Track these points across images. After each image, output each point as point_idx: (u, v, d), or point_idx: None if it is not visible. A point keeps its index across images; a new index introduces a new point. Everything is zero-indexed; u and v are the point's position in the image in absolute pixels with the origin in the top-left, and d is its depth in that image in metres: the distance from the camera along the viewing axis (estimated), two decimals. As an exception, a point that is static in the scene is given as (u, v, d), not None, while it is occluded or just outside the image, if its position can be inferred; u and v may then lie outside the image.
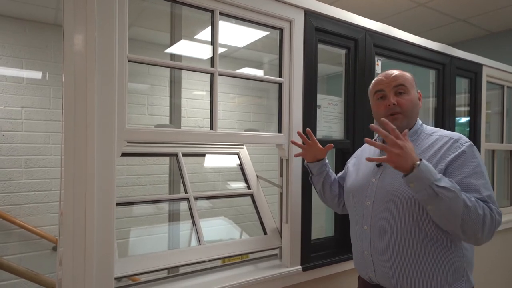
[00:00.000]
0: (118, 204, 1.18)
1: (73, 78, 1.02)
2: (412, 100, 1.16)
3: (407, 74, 1.20)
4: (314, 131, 1.57)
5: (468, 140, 1.11)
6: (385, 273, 1.12)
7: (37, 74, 3.17)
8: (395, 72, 1.19)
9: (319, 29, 1.58)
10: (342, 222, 1.70)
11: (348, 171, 1.37)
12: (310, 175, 1.44)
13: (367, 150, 1.35)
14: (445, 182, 0.96)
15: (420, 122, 1.23)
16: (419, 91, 1.22)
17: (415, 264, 1.07)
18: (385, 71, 1.23)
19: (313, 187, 1.49)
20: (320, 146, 1.36)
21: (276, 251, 1.60)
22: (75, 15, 1.02)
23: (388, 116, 1.16)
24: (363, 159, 1.32)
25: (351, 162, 1.39)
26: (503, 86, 2.75)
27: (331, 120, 1.71)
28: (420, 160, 0.96)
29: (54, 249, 3.18)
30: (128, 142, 1.14)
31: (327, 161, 1.41)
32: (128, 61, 1.14)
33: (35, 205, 3.14)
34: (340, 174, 1.47)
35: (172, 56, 2.11)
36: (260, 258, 1.57)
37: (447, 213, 0.97)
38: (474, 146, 1.10)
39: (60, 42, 3.18)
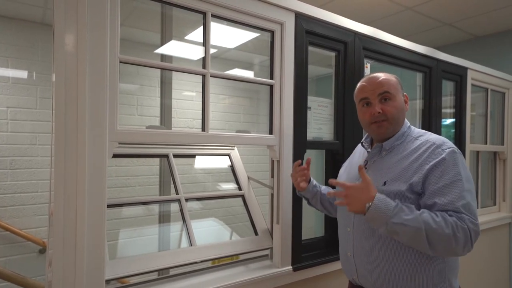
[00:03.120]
0: (108, 206, 1.18)
1: (64, 78, 1.01)
2: (397, 106, 1.14)
3: (392, 79, 1.17)
4: (305, 132, 1.59)
5: (451, 145, 1.09)
6: (366, 276, 1.14)
7: (23, 74, 3.11)
8: (380, 77, 1.16)
9: (310, 32, 1.60)
10: (332, 222, 1.72)
11: (339, 174, 1.39)
12: (307, 202, 1.45)
13: (356, 154, 1.37)
14: (400, 217, 0.96)
15: (408, 124, 1.22)
16: (405, 93, 1.21)
17: (394, 267, 1.09)
18: (369, 75, 1.22)
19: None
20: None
21: (267, 252, 1.61)
22: (66, 15, 1.01)
23: (372, 124, 1.16)
24: (354, 162, 1.33)
25: (344, 164, 1.41)
26: (487, 89, 2.82)
27: (321, 121, 1.73)
28: (372, 200, 0.98)
29: (41, 252, 3.12)
30: (119, 143, 1.13)
31: (315, 182, 1.41)
32: (120, 62, 1.13)
33: (21, 207, 3.08)
34: None
35: (162, 57, 2.11)
36: (251, 258, 1.58)
37: (411, 241, 0.99)
38: (457, 152, 1.08)
39: (48, 42, 3.13)
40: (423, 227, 0.96)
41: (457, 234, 0.96)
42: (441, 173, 1.03)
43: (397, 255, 1.08)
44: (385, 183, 1.10)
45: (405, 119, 1.22)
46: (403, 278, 1.08)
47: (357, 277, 1.17)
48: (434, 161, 1.05)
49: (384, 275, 1.10)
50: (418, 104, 2.30)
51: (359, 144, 1.39)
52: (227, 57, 4.06)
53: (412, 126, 1.23)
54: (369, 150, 1.25)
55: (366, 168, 1.20)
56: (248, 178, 1.85)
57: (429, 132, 1.19)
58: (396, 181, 1.08)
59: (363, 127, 1.24)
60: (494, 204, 3.02)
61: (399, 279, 1.08)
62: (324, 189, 1.43)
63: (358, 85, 1.23)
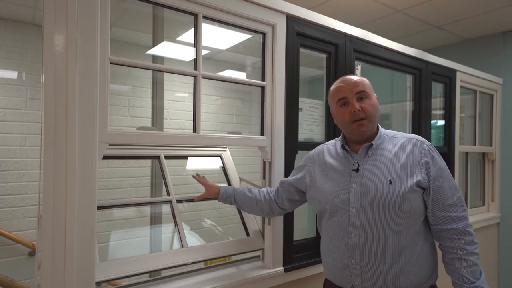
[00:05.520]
0: (99, 208, 1.17)
1: (53, 79, 1.00)
2: (374, 104, 1.19)
3: (366, 80, 1.22)
4: (296, 134, 1.60)
5: (427, 141, 1.21)
6: (375, 279, 1.13)
7: (13, 74, 3.07)
8: (354, 78, 1.20)
9: (301, 34, 1.61)
10: (323, 223, 1.73)
11: (314, 180, 1.30)
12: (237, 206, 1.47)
13: (326, 155, 1.31)
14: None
15: (379, 125, 1.26)
16: (375, 95, 1.24)
17: (404, 266, 1.12)
18: (341, 77, 1.24)
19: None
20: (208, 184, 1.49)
21: (258, 253, 1.61)
22: (55, 15, 1.00)
23: (353, 123, 1.17)
24: (327, 166, 1.28)
25: (315, 172, 1.31)
26: (475, 91, 2.87)
27: (312, 123, 1.74)
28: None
29: (30, 254, 3.08)
30: (109, 145, 1.13)
31: (227, 189, 1.44)
32: (110, 63, 1.13)
33: (10, 209, 3.04)
34: (290, 180, 1.40)
35: (154, 58, 2.10)
36: (243, 260, 1.58)
37: None
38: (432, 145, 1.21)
39: (38, 42, 3.10)
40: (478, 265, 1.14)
41: (476, 247, 1.15)
42: (439, 170, 1.15)
43: (408, 253, 1.12)
44: (391, 181, 1.13)
45: None
46: (412, 273, 1.12)
47: (361, 283, 1.15)
48: (427, 158, 1.15)
49: (396, 274, 1.12)
50: (408, 105, 2.33)
51: (321, 149, 1.35)
52: (219, 58, 4.06)
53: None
54: (349, 151, 1.24)
55: (360, 171, 1.18)
56: (240, 179, 1.85)
57: (397, 131, 1.28)
58: (402, 178, 1.13)
59: (343, 127, 1.23)
60: (483, 204, 3.07)
61: (408, 275, 1.12)
62: (242, 189, 1.45)
63: (333, 87, 1.24)
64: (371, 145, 1.19)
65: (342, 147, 1.25)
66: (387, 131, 1.27)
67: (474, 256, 1.12)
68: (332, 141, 1.36)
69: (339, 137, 1.30)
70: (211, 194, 1.46)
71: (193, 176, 1.50)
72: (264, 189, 1.46)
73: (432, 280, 1.17)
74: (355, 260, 1.15)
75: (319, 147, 1.39)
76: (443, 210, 1.13)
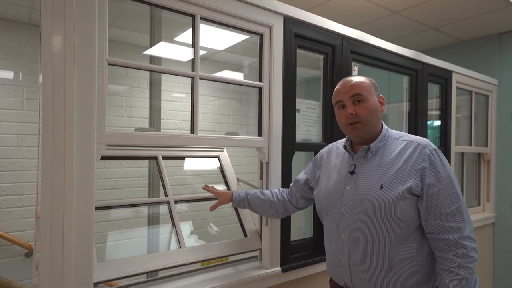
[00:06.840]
0: (96, 208, 1.17)
1: (51, 80, 1.00)
2: (370, 107, 1.17)
3: (365, 81, 1.19)
4: (293, 134, 1.61)
5: (434, 145, 1.15)
6: (363, 280, 1.15)
7: (9, 74, 3.06)
8: (352, 80, 1.19)
9: (298, 35, 1.62)
10: (320, 223, 1.73)
11: (318, 179, 1.36)
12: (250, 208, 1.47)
13: (333, 155, 1.34)
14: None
15: (386, 126, 1.25)
16: (381, 95, 1.23)
17: (393, 270, 1.12)
18: (344, 78, 1.25)
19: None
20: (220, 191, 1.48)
21: (256, 253, 1.62)
22: (53, 16, 1.00)
23: (348, 126, 1.19)
24: (331, 165, 1.31)
25: (321, 170, 1.36)
26: (471, 92, 2.89)
27: (310, 124, 1.75)
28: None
29: (27, 255, 3.07)
30: (107, 145, 1.13)
31: (240, 194, 1.44)
32: (108, 64, 1.13)
33: (6, 210, 3.02)
34: (302, 179, 1.43)
35: (152, 58, 2.10)
36: (241, 260, 1.59)
37: None
38: (440, 151, 1.15)
39: (35, 42, 3.08)
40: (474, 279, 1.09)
41: (472, 262, 1.07)
42: (436, 178, 1.10)
43: (396, 257, 1.11)
44: (382, 187, 1.12)
45: (382, 121, 1.25)
46: (401, 278, 1.11)
47: (351, 282, 1.18)
48: (425, 163, 1.11)
49: (383, 277, 1.12)
50: (405, 106, 2.34)
51: (331, 148, 1.38)
52: (216, 59, 4.06)
53: (389, 129, 1.26)
54: (350, 152, 1.25)
55: (355, 173, 1.20)
56: (238, 179, 1.85)
57: (407, 133, 1.24)
58: (394, 184, 1.11)
59: (341, 129, 1.25)
60: (479, 204, 3.09)
61: (397, 279, 1.11)
62: (263, 195, 1.44)
63: (335, 89, 1.26)
64: (369, 148, 1.20)
65: (344, 147, 1.27)
66: (394, 132, 1.24)
67: (465, 270, 1.05)
68: (343, 140, 1.35)
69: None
70: (225, 201, 1.43)
71: (203, 188, 1.48)
72: (275, 190, 1.47)
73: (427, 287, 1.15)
74: (344, 260, 1.18)
75: (330, 145, 1.41)
76: (437, 218, 1.09)
